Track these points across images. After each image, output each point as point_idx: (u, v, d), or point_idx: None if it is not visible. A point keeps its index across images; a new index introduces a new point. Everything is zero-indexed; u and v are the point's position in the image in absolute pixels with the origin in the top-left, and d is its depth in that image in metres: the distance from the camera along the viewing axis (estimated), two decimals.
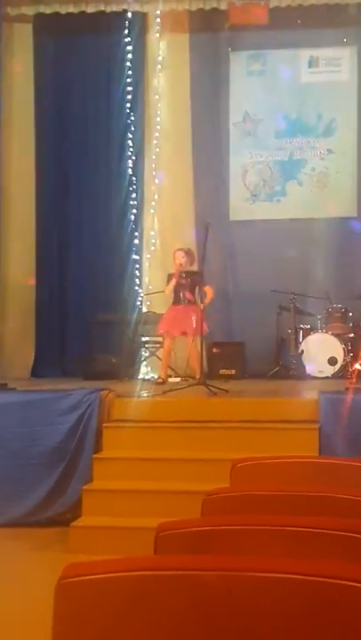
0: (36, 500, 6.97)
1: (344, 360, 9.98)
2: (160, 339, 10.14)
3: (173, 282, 9.14)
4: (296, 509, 3.14)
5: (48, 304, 11.08)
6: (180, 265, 9.17)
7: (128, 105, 11.15)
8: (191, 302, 9.06)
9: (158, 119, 11.34)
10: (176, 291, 9.18)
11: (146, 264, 11.14)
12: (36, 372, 10.76)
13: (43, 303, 11.07)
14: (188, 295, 9.09)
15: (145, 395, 8.09)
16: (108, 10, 11.07)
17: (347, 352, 10.03)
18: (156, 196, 11.23)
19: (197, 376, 8.59)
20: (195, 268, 9.15)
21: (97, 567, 2.10)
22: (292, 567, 1.99)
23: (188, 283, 9.12)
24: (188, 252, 9.33)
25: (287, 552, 2.53)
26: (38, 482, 7.01)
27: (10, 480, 7.04)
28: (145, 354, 10.48)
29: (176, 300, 9.21)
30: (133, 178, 11.13)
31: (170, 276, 9.36)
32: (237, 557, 2.17)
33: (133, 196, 11.11)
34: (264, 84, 11.51)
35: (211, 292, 9.08)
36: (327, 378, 9.82)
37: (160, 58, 11.34)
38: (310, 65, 11.43)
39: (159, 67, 11.35)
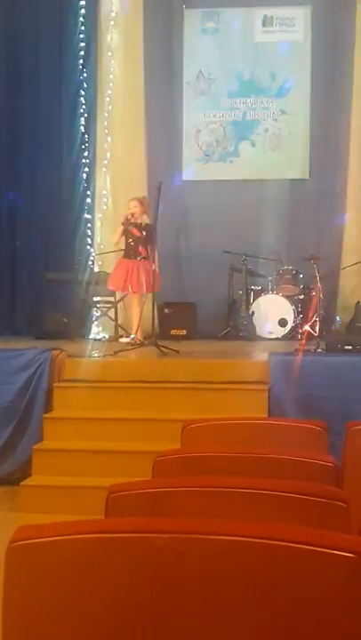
0: None
1: (294, 322, 10.05)
2: (111, 299, 10.12)
3: (120, 230, 8.87)
4: (246, 471, 3.18)
5: None
6: (132, 215, 8.87)
7: (80, 61, 11.01)
8: (144, 257, 8.83)
9: (111, 76, 11.21)
10: (128, 243, 8.92)
11: (98, 223, 11.06)
12: None
13: None
14: (140, 249, 8.83)
15: (96, 355, 8.09)
16: None
17: (297, 314, 10.11)
18: (108, 155, 11.14)
19: (137, 335, 8.80)
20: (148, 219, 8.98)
21: (48, 530, 2.10)
22: (243, 530, 2.02)
23: (142, 236, 8.83)
24: (142, 202, 9.02)
25: (238, 514, 2.56)
26: None
27: None
28: (96, 314, 10.45)
29: (127, 254, 8.95)
30: (86, 136, 11.02)
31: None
32: (189, 520, 2.19)
33: (85, 154, 11.01)
34: (218, 42, 11.41)
35: (156, 254, 8.84)
36: (277, 339, 9.88)
37: (113, 14, 11.19)
38: (264, 24, 11.35)
39: (112, 22, 11.20)
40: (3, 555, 2.10)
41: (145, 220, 8.95)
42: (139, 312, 8.94)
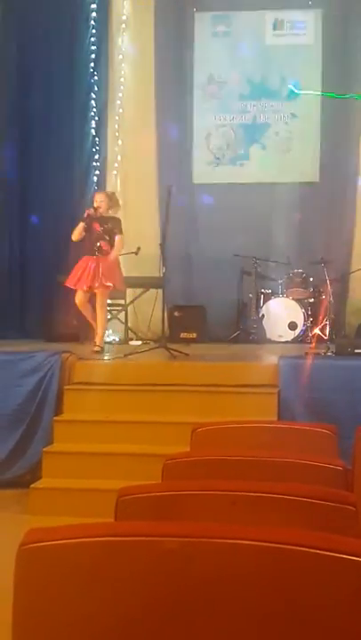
0: None
1: (304, 325, 10.05)
2: (122, 302, 10.13)
3: (80, 226, 8.30)
4: (256, 474, 3.18)
5: (8, 265, 10.97)
6: (96, 209, 8.39)
7: (92, 64, 11.03)
8: (107, 253, 8.36)
9: (122, 79, 11.23)
10: (90, 239, 8.37)
11: None
12: None
13: (3, 264, 10.96)
14: (103, 245, 8.34)
15: (106, 357, 8.10)
16: None
17: (307, 317, 10.10)
18: (118, 158, 11.16)
19: (98, 342, 8.36)
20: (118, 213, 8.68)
21: (58, 533, 2.11)
22: (252, 534, 2.02)
23: (104, 230, 8.37)
24: (109, 196, 8.62)
25: (247, 518, 2.56)
26: None
27: None
28: (107, 316, 10.44)
29: (89, 250, 8.39)
30: (96, 139, 11.04)
31: None
32: (198, 524, 2.19)
33: (96, 157, 11.03)
34: (229, 45, 11.43)
35: (119, 242, 8.44)
36: (287, 342, 9.88)
37: (124, 17, 11.21)
38: (275, 27, 11.35)
39: (123, 26, 11.21)
40: (13, 557, 2.12)
41: (110, 214, 8.53)
42: (103, 316, 8.53)
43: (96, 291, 8.35)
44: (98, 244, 8.35)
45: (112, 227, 8.43)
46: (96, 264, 8.27)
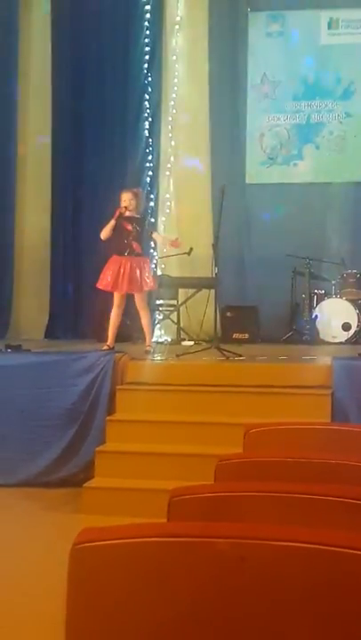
0: (49, 460, 7.03)
1: (358, 326, 9.95)
2: (174, 302, 10.12)
3: (111, 224, 8.11)
4: (309, 476, 3.16)
5: (62, 265, 11.05)
6: (125, 208, 8.15)
7: (145, 65, 11.06)
8: (138, 254, 8.27)
9: (175, 80, 11.25)
10: (120, 238, 8.21)
11: (161, 227, 11.08)
12: (50, 333, 10.78)
13: (57, 264, 11.05)
14: (134, 245, 8.22)
15: (158, 358, 8.11)
16: None
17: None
18: (171, 159, 11.17)
19: (148, 342, 8.38)
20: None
21: (111, 532, 2.12)
22: (305, 536, 2.01)
23: (134, 230, 8.21)
24: (136, 195, 8.37)
25: (300, 520, 2.55)
26: (51, 443, 7.08)
27: (23, 441, 7.10)
28: (159, 317, 10.48)
29: (120, 250, 8.22)
30: (150, 140, 11.07)
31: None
32: (251, 525, 2.19)
33: (149, 158, 11.05)
34: (283, 45, 11.37)
35: (160, 239, 8.56)
36: (341, 343, 9.79)
37: (178, 18, 11.22)
38: (330, 26, 11.26)
39: (177, 27, 11.23)
40: (66, 556, 2.13)
41: (136, 213, 8.35)
42: (147, 315, 8.50)
43: (135, 294, 8.30)
44: (130, 244, 8.21)
45: (143, 230, 8.36)
46: (130, 265, 8.17)
